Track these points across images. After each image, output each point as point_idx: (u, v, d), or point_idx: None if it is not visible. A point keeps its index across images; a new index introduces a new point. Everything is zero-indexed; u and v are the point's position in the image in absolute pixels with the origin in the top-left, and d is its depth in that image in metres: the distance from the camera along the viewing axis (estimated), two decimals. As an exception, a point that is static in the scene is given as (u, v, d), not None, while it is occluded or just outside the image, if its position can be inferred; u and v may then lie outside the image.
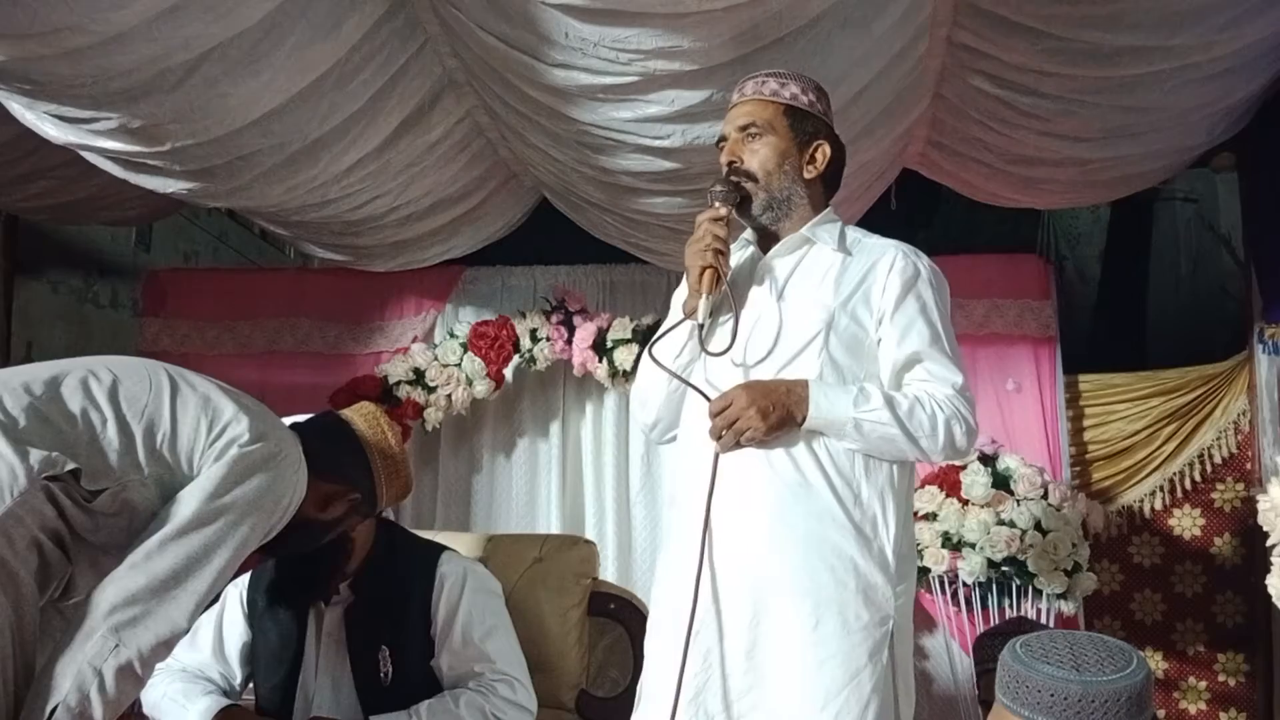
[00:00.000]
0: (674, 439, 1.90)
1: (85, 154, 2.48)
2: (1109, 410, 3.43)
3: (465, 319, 3.68)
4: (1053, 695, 1.32)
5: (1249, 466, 3.31)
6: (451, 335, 3.59)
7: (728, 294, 1.75)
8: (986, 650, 2.48)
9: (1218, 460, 3.35)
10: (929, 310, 1.75)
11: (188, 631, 1.51)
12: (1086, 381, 3.47)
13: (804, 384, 1.67)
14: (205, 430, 1.57)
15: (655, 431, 1.93)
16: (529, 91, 2.47)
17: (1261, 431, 3.17)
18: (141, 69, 2.09)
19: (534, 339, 3.51)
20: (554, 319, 3.53)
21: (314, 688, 2.02)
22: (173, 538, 1.48)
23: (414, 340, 3.69)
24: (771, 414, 1.64)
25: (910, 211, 3.82)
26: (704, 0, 2.03)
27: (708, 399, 1.70)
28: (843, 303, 1.74)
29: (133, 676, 1.43)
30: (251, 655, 2.12)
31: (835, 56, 2.30)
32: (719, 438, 1.68)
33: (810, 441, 1.68)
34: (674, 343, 1.78)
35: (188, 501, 1.51)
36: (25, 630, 1.42)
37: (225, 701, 2.02)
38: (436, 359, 3.53)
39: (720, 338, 1.76)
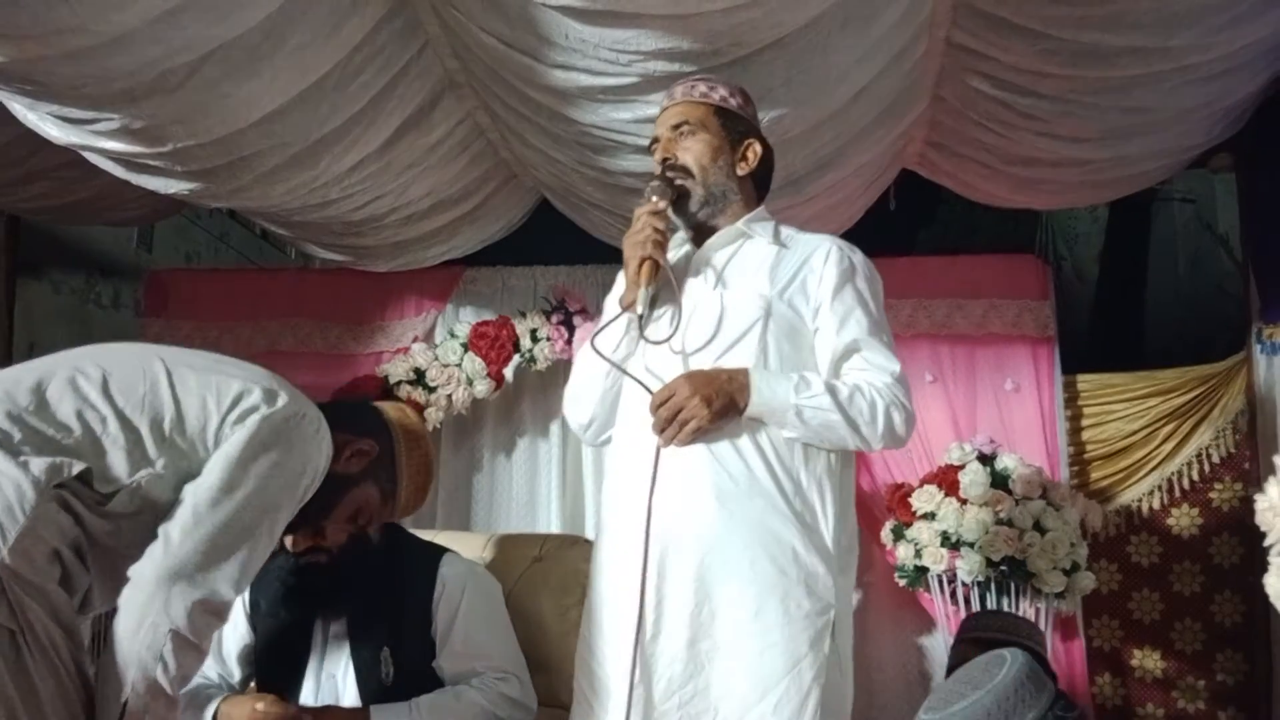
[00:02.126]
0: (609, 440, 1.90)
1: (87, 155, 2.49)
2: (1107, 410, 3.43)
3: (465, 319, 3.68)
4: None
5: (1247, 466, 3.32)
6: (452, 335, 3.59)
7: (667, 285, 1.78)
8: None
9: (1215, 460, 3.35)
10: (866, 301, 1.79)
11: (231, 602, 1.48)
12: (1085, 381, 3.47)
13: (744, 371, 1.69)
14: (215, 405, 1.52)
15: (590, 431, 1.91)
16: (529, 93, 2.48)
17: (1260, 431, 3.18)
18: (143, 70, 2.10)
19: (534, 339, 3.52)
20: (554, 319, 3.54)
21: (317, 688, 2.03)
22: (205, 510, 1.43)
23: (414, 340, 3.70)
24: (715, 401, 1.65)
25: (910, 211, 3.83)
26: (704, 1, 2.04)
27: (649, 391, 1.70)
28: (779, 292, 1.77)
29: (193, 650, 1.41)
30: (253, 657, 2.13)
31: (835, 56, 2.30)
32: (661, 431, 1.68)
33: (752, 430, 1.70)
34: (611, 339, 1.79)
35: (214, 471, 1.46)
36: (74, 636, 1.39)
37: (222, 694, 2.02)
38: (437, 359, 3.53)
39: (660, 327, 1.77)
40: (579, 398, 1.90)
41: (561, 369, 3.65)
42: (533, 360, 3.53)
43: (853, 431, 1.69)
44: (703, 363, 1.73)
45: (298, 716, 1.90)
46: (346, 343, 3.77)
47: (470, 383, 3.52)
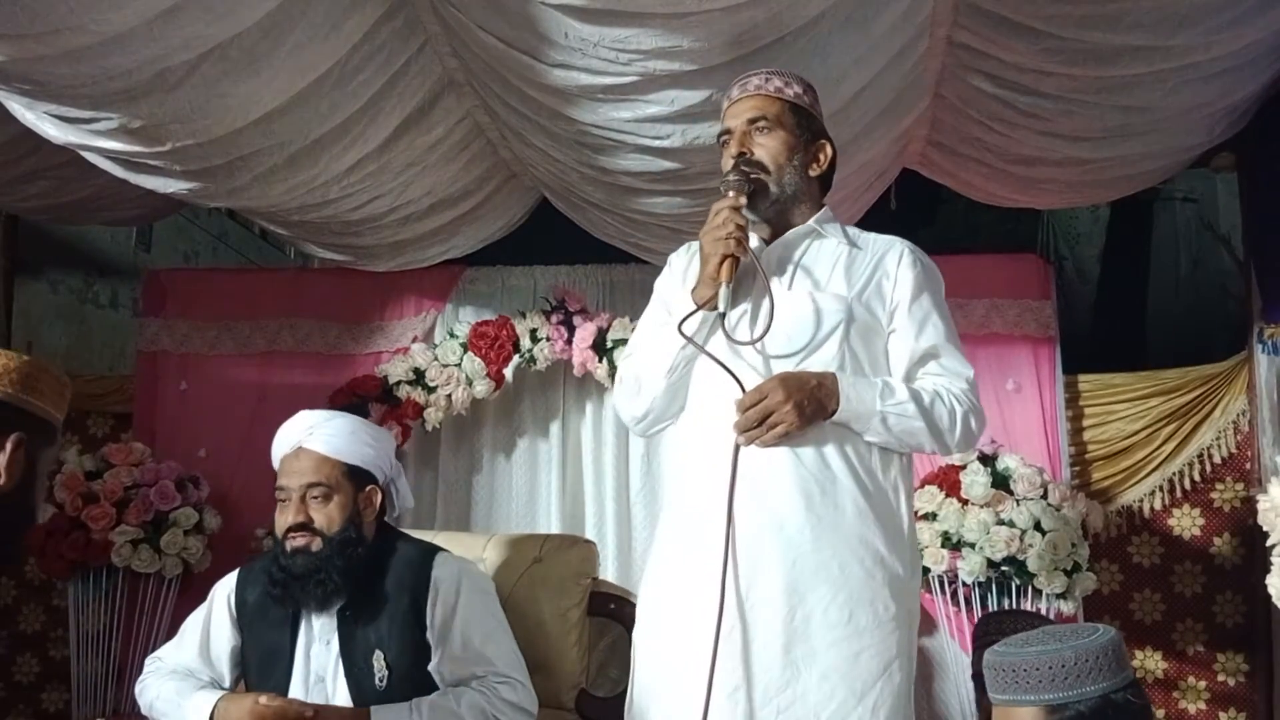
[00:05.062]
0: (662, 430, 1.89)
1: (85, 154, 2.48)
2: (1109, 410, 3.43)
3: (465, 319, 3.67)
4: (1050, 668, 1.40)
5: (1248, 466, 3.31)
6: (451, 335, 3.58)
7: (744, 281, 1.74)
8: (989, 625, 2.54)
9: (1217, 460, 3.34)
10: (941, 306, 1.80)
11: None
12: (1086, 381, 3.47)
13: (832, 377, 1.68)
14: None
15: (644, 423, 1.88)
16: (529, 91, 2.47)
17: (1261, 431, 3.17)
18: (141, 69, 2.09)
19: (534, 339, 3.51)
20: (554, 319, 3.53)
21: (306, 691, 2.00)
22: None
23: (414, 340, 3.69)
24: (807, 408, 1.64)
25: (910, 211, 3.82)
26: (704, 0, 2.03)
27: (743, 388, 1.67)
28: (857, 294, 1.76)
29: None
30: (243, 658, 2.10)
31: (835, 56, 2.30)
32: (746, 430, 1.66)
33: (835, 434, 1.69)
34: (687, 332, 1.75)
35: None
36: None
37: (219, 693, 2.00)
38: (436, 359, 3.53)
39: (741, 326, 1.74)
40: (642, 389, 1.84)
41: (562, 369, 3.64)
42: (532, 360, 3.53)
43: (934, 437, 1.71)
44: (786, 364, 1.71)
45: (299, 713, 1.89)
46: (345, 343, 3.76)
47: (470, 383, 3.51)
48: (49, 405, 1.52)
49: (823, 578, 1.64)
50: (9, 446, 1.45)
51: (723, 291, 1.70)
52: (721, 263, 1.70)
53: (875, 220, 3.28)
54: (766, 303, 1.71)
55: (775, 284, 1.77)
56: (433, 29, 2.44)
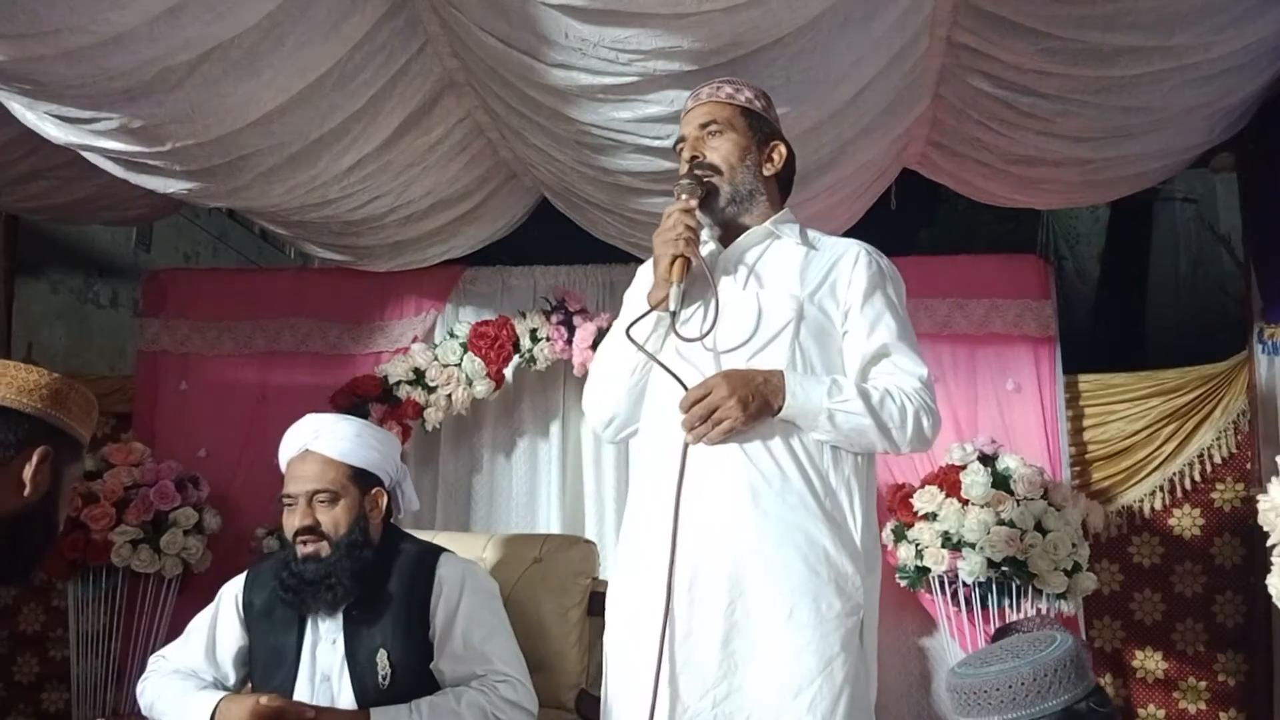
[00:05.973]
0: (630, 435, 1.91)
1: (86, 154, 2.48)
2: (1109, 410, 3.43)
3: (465, 319, 3.67)
4: (1010, 686, 1.43)
5: (1248, 466, 3.31)
6: (451, 335, 3.59)
7: (696, 283, 1.78)
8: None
9: (1217, 460, 3.34)
10: (895, 306, 1.82)
11: None
12: (1086, 381, 3.47)
13: (779, 374, 1.70)
14: None
15: (610, 429, 1.92)
16: (529, 92, 2.47)
17: (1261, 431, 3.17)
18: (142, 69, 2.10)
19: (534, 339, 3.51)
20: (554, 319, 3.53)
21: (312, 691, 2.01)
22: None
23: (414, 340, 3.69)
24: (751, 404, 1.66)
25: (910, 211, 3.83)
26: (704, 0, 2.04)
27: (685, 386, 1.70)
28: (810, 294, 1.79)
29: None
30: (249, 658, 2.11)
31: (835, 56, 2.30)
32: (692, 428, 1.68)
33: (783, 431, 1.70)
34: (639, 335, 1.78)
35: None
36: None
37: (220, 694, 2.01)
38: (436, 359, 3.53)
39: (691, 325, 1.77)
40: (603, 395, 1.89)
41: (562, 369, 3.64)
42: (532, 360, 3.53)
43: (883, 435, 1.71)
44: (735, 362, 1.73)
45: (300, 714, 1.89)
46: (346, 343, 3.76)
47: (470, 383, 3.51)
48: (76, 422, 1.57)
49: (764, 573, 1.65)
50: (35, 459, 1.49)
51: (673, 291, 1.73)
52: (672, 263, 1.74)
53: (875, 220, 3.30)
54: (713, 302, 1.74)
55: (728, 284, 1.81)
56: (433, 29, 2.44)
